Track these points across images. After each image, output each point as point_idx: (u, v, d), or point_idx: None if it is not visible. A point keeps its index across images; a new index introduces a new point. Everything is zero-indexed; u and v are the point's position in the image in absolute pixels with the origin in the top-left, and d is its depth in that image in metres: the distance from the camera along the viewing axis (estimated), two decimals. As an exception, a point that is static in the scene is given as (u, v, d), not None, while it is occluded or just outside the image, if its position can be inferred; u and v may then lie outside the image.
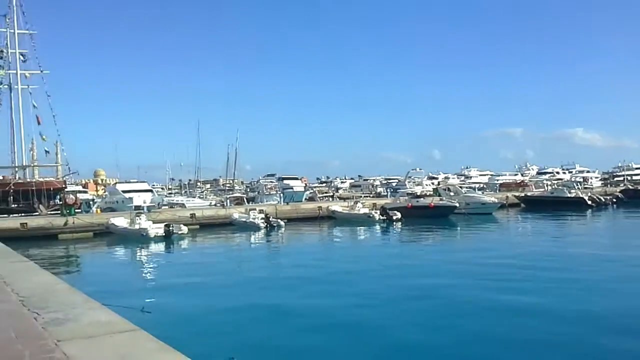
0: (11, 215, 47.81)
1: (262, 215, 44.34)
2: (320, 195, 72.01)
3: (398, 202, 51.98)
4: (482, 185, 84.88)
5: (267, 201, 62.25)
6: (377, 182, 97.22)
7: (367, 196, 72.32)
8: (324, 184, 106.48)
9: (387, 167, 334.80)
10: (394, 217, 45.46)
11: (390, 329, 13.26)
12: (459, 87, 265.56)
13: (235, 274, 24.07)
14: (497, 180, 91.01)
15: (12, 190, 55.34)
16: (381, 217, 45.72)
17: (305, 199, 66.56)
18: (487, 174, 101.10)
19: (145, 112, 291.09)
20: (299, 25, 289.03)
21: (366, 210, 48.43)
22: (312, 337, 12.90)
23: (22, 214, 48.27)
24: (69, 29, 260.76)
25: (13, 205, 53.36)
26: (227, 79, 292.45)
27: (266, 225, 42.64)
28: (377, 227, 43.60)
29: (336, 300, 16.52)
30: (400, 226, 43.63)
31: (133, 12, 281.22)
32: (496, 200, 54.17)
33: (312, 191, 75.23)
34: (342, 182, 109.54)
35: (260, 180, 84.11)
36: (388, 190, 74.70)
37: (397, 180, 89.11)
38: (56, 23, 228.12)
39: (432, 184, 73.87)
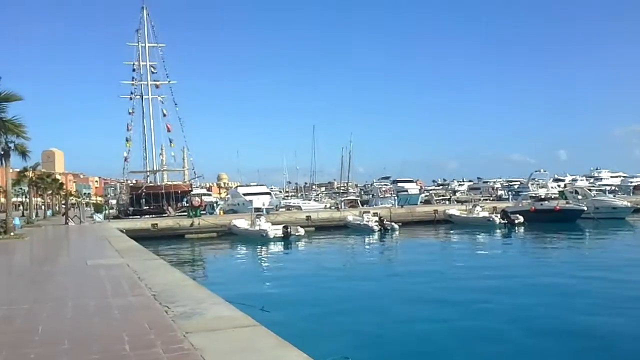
0: (143, 217, 51.51)
1: (377, 218, 44.17)
2: (437, 198, 70.51)
3: (520, 205, 49.54)
4: (613, 187, 78.71)
5: (381, 204, 62.12)
6: (498, 185, 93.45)
7: (486, 199, 69.82)
8: (441, 187, 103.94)
9: (508, 169, 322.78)
10: (516, 221, 43.26)
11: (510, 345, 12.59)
12: (587, 83, 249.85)
13: (350, 276, 24.18)
14: (631, 182, 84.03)
15: (144, 193, 59.70)
16: (502, 221, 43.73)
17: (421, 202, 65.54)
18: (620, 176, 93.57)
19: (264, 118, 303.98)
20: (413, 33, 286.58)
21: (486, 214, 46.69)
22: (423, 342, 12.63)
23: (153, 215, 51.85)
24: (194, 42, 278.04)
25: (145, 207, 57.49)
26: (341, 82, 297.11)
27: (380, 229, 42.41)
28: (498, 231, 41.80)
29: (452, 307, 15.98)
30: (522, 231, 41.50)
31: (247, 20, 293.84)
32: (629, 204, 49.81)
33: (427, 194, 73.98)
34: (459, 185, 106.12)
35: (375, 183, 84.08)
36: (509, 193, 71.69)
37: (519, 183, 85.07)
38: (182, 36, 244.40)
39: (558, 186, 69.57)
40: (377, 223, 43.05)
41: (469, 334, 13.04)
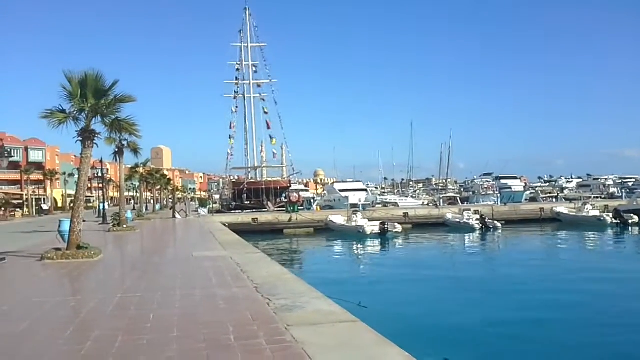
0: (244, 211, 53.18)
1: (477, 216, 42.90)
2: (543, 196, 67.34)
3: (635, 204, 46.11)
4: None
5: (482, 201, 60.19)
6: (610, 182, 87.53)
7: (597, 197, 65.69)
8: (547, 184, 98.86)
9: (621, 166, 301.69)
10: (630, 221, 40.45)
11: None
12: None
13: (449, 275, 23.61)
14: None
15: (245, 189, 61.67)
16: (614, 221, 41.12)
17: (526, 199, 62.87)
18: None
19: (362, 114, 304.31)
20: (514, 31, 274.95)
21: (596, 213, 43.93)
22: (526, 346, 12.08)
23: (254, 210, 53.36)
24: (294, 40, 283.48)
25: (246, 202, 59.34)
26: (441, 79, 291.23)
27: (481, 227, 41.13)
28: (609, 231, 39.25)
29: (555, 313, 15.10)
30: (637, 231, 38.69)
31: (350, 21, 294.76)
32: None
33: (533, 191, 70.85)
34: (567, 182, 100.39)
35: (476, 180, 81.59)
36: (623, 190, 67.04)
37: (634, 180, 79.34)
38: (282, 35, 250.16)
39: (679, 184, 64.11)
40: (478, 221, 41.80)
41: (569, 342, 12.31)
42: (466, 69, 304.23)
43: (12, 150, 56.51)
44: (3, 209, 55.90)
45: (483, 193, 66.93)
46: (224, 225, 32.95)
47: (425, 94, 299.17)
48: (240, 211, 53.97)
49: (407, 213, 47.26)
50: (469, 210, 45.69)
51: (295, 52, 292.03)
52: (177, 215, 42.35)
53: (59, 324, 6.61)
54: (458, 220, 43.83)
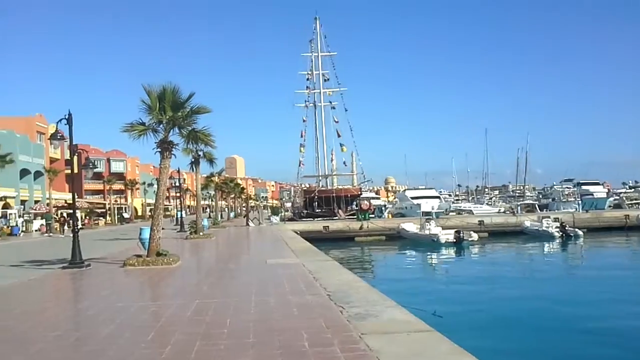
0: (315, 219, 53.49)
1: (557, 224, 41.20)
2: (628, 202, 63.82)
3: None
4: None
5: (563, 208, 57.83)
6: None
7: (688, 204, 61.64)
8: (633, 190, 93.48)
9: None
10: None
11: None
12: None
13: (527, 285, 22.79)
14: None
15: (316, 197, 62.07)
16: None
17: (609, 206, 59.87)
18: None
19: (433, 120, 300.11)
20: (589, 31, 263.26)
21: (690, 221, 41.23)
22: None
23: (325, 218, 53.59)
24: (365, 46, 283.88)
25: (317, 210, 59.68)
26: (514, 82, 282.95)
27: (561, 235, 39.45)
28: None
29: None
30: None
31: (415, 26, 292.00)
32: None
33: (617, 197, 67.32)
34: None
35: (555, 186, 78.43)
36: None
37: None
38: (349, 43, 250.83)
39: None
40: (558, 229, 40.13)
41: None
42: (542, 70, 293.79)
43: (96, 162, 59.62)
44: (88, 217, 59.01)
45: (563, 200, 64.33)
46: (296, 232, 33.23)
47: (501, 98, 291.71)
48: (311, 219, 54.33)
49: (483, 221, 46.01)
50: (549, 217, 43.97)
51: (364, 60, 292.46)
52: (250, 223, 43.17)
53: (140, 328, 6.86)
54: (537, 228, 42.27)
